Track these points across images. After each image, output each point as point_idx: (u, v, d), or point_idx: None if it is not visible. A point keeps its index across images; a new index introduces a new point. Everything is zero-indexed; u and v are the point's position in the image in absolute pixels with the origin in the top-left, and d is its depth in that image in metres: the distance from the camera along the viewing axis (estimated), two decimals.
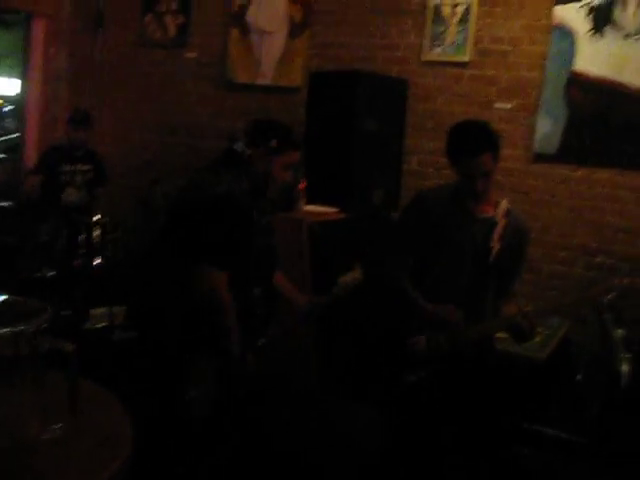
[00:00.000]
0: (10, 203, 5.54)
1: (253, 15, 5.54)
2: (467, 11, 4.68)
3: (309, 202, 4.17)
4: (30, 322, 1.03)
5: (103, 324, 4.51)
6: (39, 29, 6.44)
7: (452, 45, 4.75)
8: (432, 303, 2.69)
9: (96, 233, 4.78)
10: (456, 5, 4.72)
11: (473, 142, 2.61)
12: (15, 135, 10.18)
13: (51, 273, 4.72)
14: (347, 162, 4.36)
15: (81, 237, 4.76)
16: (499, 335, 2.84)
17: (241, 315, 2.65)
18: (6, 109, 17.56)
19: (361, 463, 3.12)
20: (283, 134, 2.76)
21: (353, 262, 3.67)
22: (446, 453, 2.75)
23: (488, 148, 2.59)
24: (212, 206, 2.61)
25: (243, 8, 5.57)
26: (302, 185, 4.10)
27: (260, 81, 5.53)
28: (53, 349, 1.08)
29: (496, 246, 2.68)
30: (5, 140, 13.09)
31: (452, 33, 4.75)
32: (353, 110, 4.36)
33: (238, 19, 5.60)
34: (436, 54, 4.81)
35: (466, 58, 4.70)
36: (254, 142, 2.72)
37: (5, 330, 1.00)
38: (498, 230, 2.70)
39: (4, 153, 11.14)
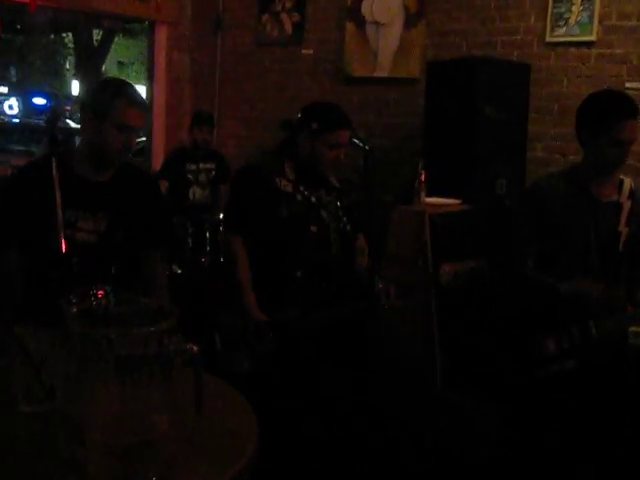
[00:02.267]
0: None
1: (368, 8, 5.50)
2: None
3: (430, 194, 4.09)
4: (159, 323, 1.05)
5: None
6: (162, 36, 6.68)
7: (576, 24, 4.53)
8: None
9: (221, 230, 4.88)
10: None
11: (622, 105, 2.49)
12: (142, 139, 10.62)
13: (179, 271, 4.87)
14: (468, 152, 4.25)
15: (207, 235, 4.89)
16: (633, 329, 2.66)
17: (277, 295, 2.65)
18: None
19: (481, 462, 3.02)
20: (322, 116, 2.75)
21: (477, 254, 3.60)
22: (577, 458, 2.61)
23: (633, 114, 2.47)
24: (233, 179, 2.97)
25: (358, 1, 5.54)
26: (423, 176, 4.03)
27: (377, 74, 5.50)
28: (179, 350, 1.10)
29: (624, 231, 2.53)
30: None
31: (575, 12, 4.53)
32: (473, 98, 4.25)
33: (353, 13, 5.58)
34: (559, 35, 4.60)
35: (592, 37, 4.46)
36: (299, 127, 2.77)
37: (135, 330, 1.02)
38: (624, 213, 2.54)
39: (133, 156, 11.67)
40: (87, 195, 2.36)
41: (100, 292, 1.16)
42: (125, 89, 2.42)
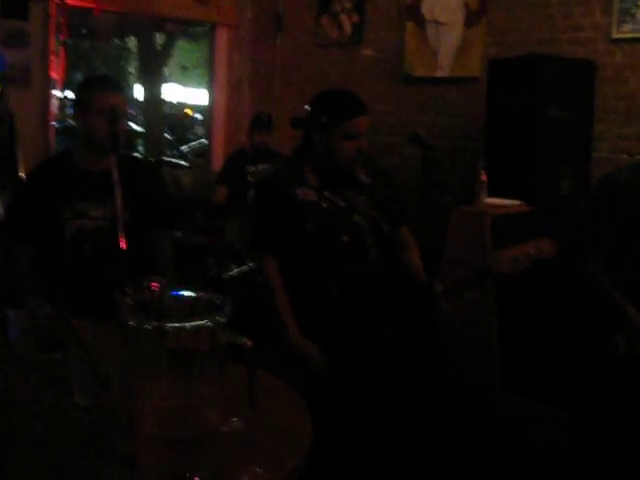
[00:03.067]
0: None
1: (428, 7, 5.45)
2: None
3: (491, 195, 4.02)
4: (212, 316, 1.05)
5: None
6: (222, 38, 6.75)
7: None
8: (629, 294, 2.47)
9: None
10: None
11: None
12: (204, 141, 10.77)
13: (238, 271, 4.90)
14: (531, 152, 4.17)
15: None
16: None
17: (311, 311, 2.44)
18: (196, 117, 18.70)
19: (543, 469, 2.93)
20: (332, 106, 2.53)
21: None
22: None
23: None
24: (255, 196, 2.77)
25: (418, 1, 5.50)
26: (484, 177, 3.96)
27: (438, 73, 5.44)
28: (232, 344, 1.09)
29: None
30: (196, 147, 13.97)
31: None
32: (536, 97, 4.17)
33: (413, 12, 5.54)
34: (626, 31, 4.47)
35: None
36: (310, 123, 2.56)
37: (189, 324, 1.02)
38: None
39: (194, 159, 11.87)
40: (93, 185, 2.53)
41: (154, 285, 1.17)
42: (98, 78, 2.83)
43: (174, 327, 1.01)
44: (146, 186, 2.69)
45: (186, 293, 1.13)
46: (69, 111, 7.57)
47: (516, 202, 4.05)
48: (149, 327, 1.02)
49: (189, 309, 1.09)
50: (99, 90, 2.56)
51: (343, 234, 2.48)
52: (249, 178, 5.51)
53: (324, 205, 2.50)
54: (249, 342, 1.11)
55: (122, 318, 1.04)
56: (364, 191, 2.60)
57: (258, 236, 2.62)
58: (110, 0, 5.53)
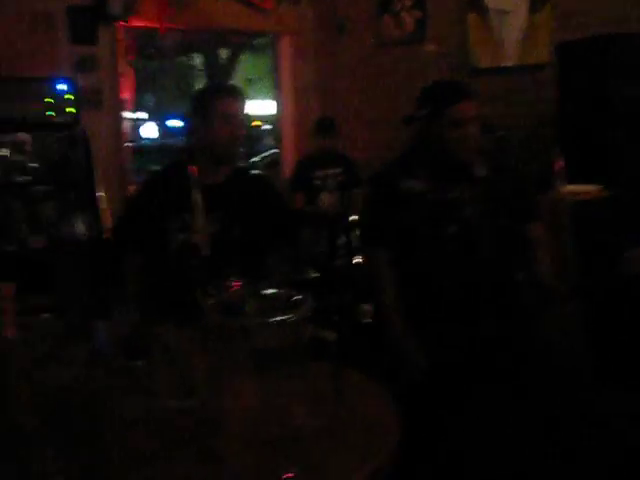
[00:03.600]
0: None
1: None
2: None
3: (570, 182, 3.91)
4: (294, 312, 1.05)
5: (367, 320, 4.59)
6: (286, 47, 6.79)
7: None
8: None
9: (355, 233, 4.91)
10: None
11: None
12: (274, 151, 10.86)
13: (315, 275, 4.92)
14: (608, 135, 4.05)
15: (341, 239, 4.92)
16: None
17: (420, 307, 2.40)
18: (264, 128, 18.90)
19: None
20: (436, 94, 2.50)
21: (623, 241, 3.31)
22: None
23: None
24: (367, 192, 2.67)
25: None
26: (560, 164, 3.86)
27: (505, 62, 5.33)
28: (316, 338, 1.09)
29: None
30: (265, 157, 14.10)
31: None
32: (610, 78, 4.06)
33: (475, 3, 5.45)
34: None
35: None
36: (419, 117, 2.52)
37: (271, 320, 1.02)
38: None
39: (266, 169, 11.98)
40: (203, 198, 2.37)
41: (236, 284, 1.18)
42: (219, 85, 2.63)
43: (257, 323, 1.02)
44: (260, 201, 2.60)
45: (268, 291, 1.14)
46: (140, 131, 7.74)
47: (596, 187, 3.93)
48: (233, 325, 1.03)
49: (271, 306, 1.10)
50: (222, 97, 2.54)
51: (450, 226, 2.42)
52: (317, 182, 5.54)
53: (430, 197, 2.44)
54: (333, 335, 1.11)
55: (205, 318, 1.05)
56: (481, 184, 2.49)
57: (367, 230, 2.65)
58: (174, 18, 5.63)
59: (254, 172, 2.82)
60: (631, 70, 4.07)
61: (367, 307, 4.58)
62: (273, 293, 1.15)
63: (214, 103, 2.51)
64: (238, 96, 2.57)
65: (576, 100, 4.22)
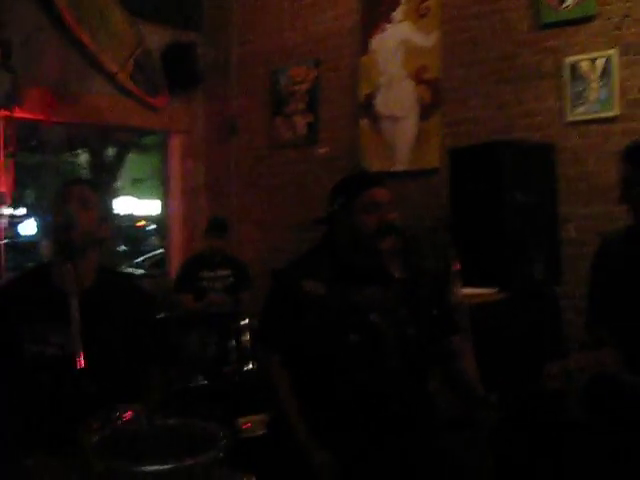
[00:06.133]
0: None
1: (381, 103, 5.48)
2: (608, 63, 4.38)
3: (465, 285, 3.89)
4: (205, 452, 0.83)
5: (261, 432, 4.32)
6: (175, 146, 6.70)
7: (596, 102, 4.43)
8: None
9: (245, 338, 4.71)
10: (594, 59, 4.43)
11: None
12: (159, 251, 10.60)
13: (203, 382, 4.65)
14: (499, 238, 4.08)
15: (231, 343, 4.70)
16: None
17: (321, 415, 2.21)
18: (149, 228, 18.59)
19: None
20: (346, 185, 2.41)
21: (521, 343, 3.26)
22: None
23: None
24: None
25: (370, 97, 5.53)
26: (456, 267, 3.84)
27: (396, 167, 5.41)
28: None
29: None
30: (150, 257, 13.77)
31: (594, 89, 4.44)
32: (499, 183, 4.12)
33: (367, 109, 5.55)
34: (580, 113, 4.51)
35: (615, 112, 4.36)
36: (329, 213, 2.43)
37: (174, 464, 0.79)
38: None
39: (150, 269, 11.67)
40: (57, 306, 2.07)
41: (127, 414, 0.94)
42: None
43: (156, 469, 0.79)
44: (127, 311, 2.33)
45: (171, 421, 0.91)
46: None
47: (492, 290, 3.93)
48: (124, 470, 0.79)
49: (175, 442, 0.87)
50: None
51: (352, 333, 2.23)
52: (204, 283, 5.36)
53: (332, 300, 2.26)
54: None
55: (88, 458, 0.82)
56: (394, 288, 2.31)
57: (262, 332, 2.49)
58: (60, 112, 5.43)
59: (124, 275, 2.54)
60: (519, 175, 4.17)
61: (261, 417, 4.32)
62: (176, 425, 0.92)
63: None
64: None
65: (468, 204, 4.27)
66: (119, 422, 0.91)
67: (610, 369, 2.18)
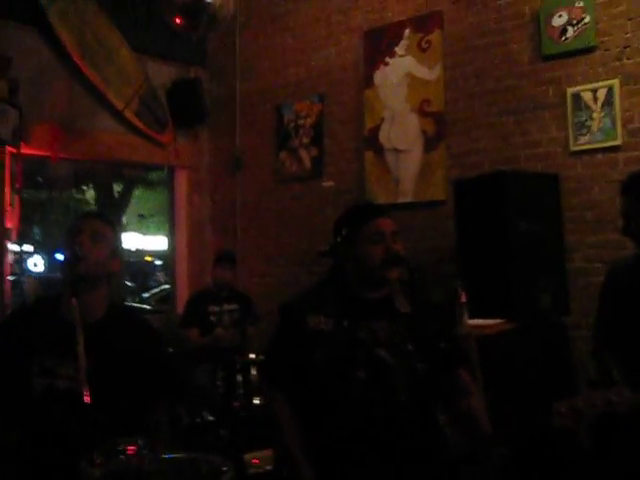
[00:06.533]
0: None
1: (386, 135, 5.51)
2: (610, 93, 4.40)
3: (472, 316, 3.87)
4: None
5: (269, 467, 4.27)
6: (182, 181, 6.73)
7: (599, 131, 4.45)
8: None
9: (252, 373, 4.68)
10: (596, 90, 4.46)
11: None
12: (166, 287, 10.60)
13: (211, 417, 4.61)
14: (506, 268, 4.08)
15: (238, 378, 4.67)
16: None
17: (325, 456, 2.17)
18: (156, 263, 18.61)
19: None
20: (350, 216, 2.41)
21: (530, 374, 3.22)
22: None
23: None
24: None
25: (375, 130, 5.56)
26: (463, 298, 3.82)
27: (401, 199, 5.41)
28: None
29: None
30: (157, 292, 13.75)
31: (597, 118, 4.47)
32: (505, 213, 4.14)
33: (371, 141, 5.58)
34: (583, 143, 4.52)
35: (618, 142, 4.37)
36: (335, 245, 2.40)
37: None
38: None
39: (157, 304, 11.65)
40: (66, 338, 2.08)
41: (131, 448, 0.93)
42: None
43: None
44: (135, 344, 2.30)
45: (175, 455, 0.89)
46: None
47: (499, 321, 3.91)
48: None
49: (180, 477, 0.85)
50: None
51: (358, 370, 2.18)
52: (212, 318, 5.35)
53: (338, 335, 2.22)
54: None
55: None
56: (402, 322, 2.27)
57: (267, 368, 2.46)
58: (67, 148, 5.47)
59: (133, 311, 2.52)
60: (524, 205, 4.19)
61: (269, 453, 4.28)
62: (181, 459, 0.91)
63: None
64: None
65: (474, 235, 4.28)
66: (123, 456, 0.90)
67: (620, 408, 2.14)
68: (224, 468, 0.84)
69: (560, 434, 2.34)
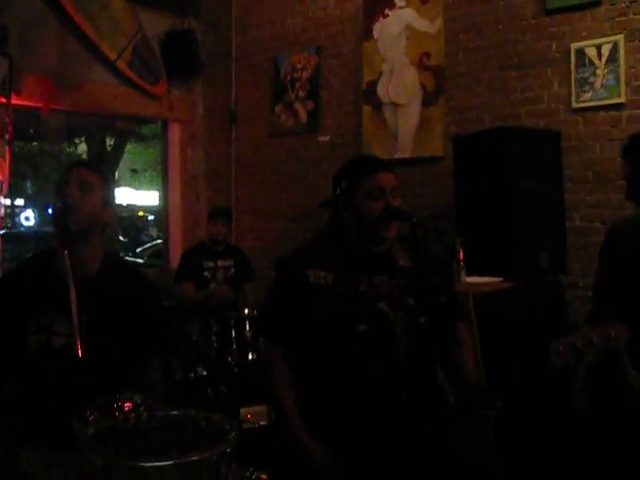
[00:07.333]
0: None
1: (384, 89, 5.40)
2: (614, 49, 4.30)
3: (470, 273, 3.83)
4: (212, 447, 0.76)
5: (263, 422, 4.27)
6: (175, 135, 6.63)
7: (603, 88, 4.36)
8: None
9: (246, 329, 4.66)
10: (600, 45, 4.36)
11: None
12: (158, 241, 10.56)
13: (205, 372, 4.60)
14: (505, 226, 4.01)
15: (231, 334, 4.65)
16: None
17: (324, 412, 2.15)
18: (149, 218, 18.55)
19: None
20: (350, 169, 2.34)
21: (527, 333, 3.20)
22: None
23: None
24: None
25: (373, 84, 5.45)
26: (461, 255, 3.78)
27: (399, 155, 5.33)
28: (243, 478, 0.82)
29: None
30: (150, 247, 13.72)
31: (600, 75, 4.37)
32: (504, 170, 4.05)
33: (369, 95, 5.48)
34: (586, 100, 4.43)
35: (621, 99, 4.28)
36: (334, 198, 2.35)
37: (178, 458, 0.73)
38: None
39: (150, 259, 11.62)
40: (62, 294, 1.94)
41: (127, 404, 0.88)
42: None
43: (158, 464, 0.73)
44: (128, 301, 2.23)
45: (173, 412, 0.84)
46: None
47: (497, 279, 3.87)
48: (123, 465, 0.73)
49: (177, 436, 0.81)
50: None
51: (360, 323, 2.14)
52: (206, 274, 5.30)
53: (339, 289, 2.18)
54: (264, 475, 0.84)
55: (84, 452, 0.75)
56: (402, 276, 2.24)
57: (264, 324, 2.43)
58: (59, 99, 5.35)
59: (129, 263, 2.46)
60: (525, 162, 4.10)
61: (262, 408, 4.27)
62: (179, 416, 0.86)
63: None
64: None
65: (473, 192, 4.21)
66: (118, 413, 0.85)
67: (618, 343, 2.13)
68: (227, 427, 0.80)
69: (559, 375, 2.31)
